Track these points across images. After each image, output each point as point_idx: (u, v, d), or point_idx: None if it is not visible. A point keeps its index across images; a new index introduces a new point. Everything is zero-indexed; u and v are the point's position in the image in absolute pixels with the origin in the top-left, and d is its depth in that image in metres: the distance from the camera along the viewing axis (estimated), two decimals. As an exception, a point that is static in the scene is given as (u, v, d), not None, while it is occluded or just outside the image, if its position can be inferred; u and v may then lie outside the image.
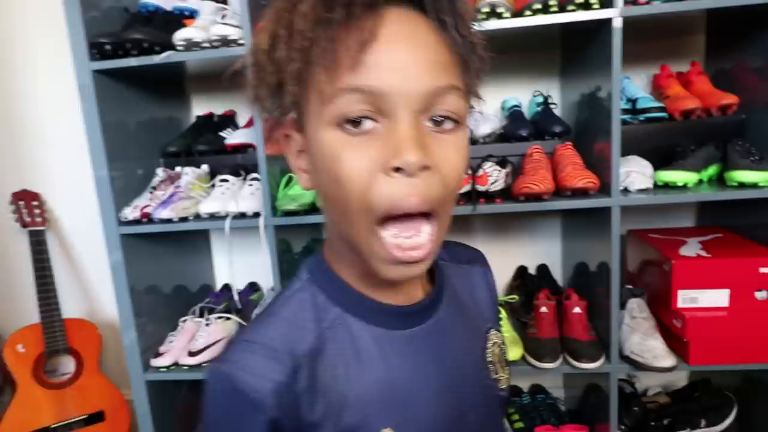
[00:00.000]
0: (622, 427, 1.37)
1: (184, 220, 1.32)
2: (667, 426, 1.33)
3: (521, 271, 1.65)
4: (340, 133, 0.42)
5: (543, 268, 1.64)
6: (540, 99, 1.46)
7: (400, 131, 0.41)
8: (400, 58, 0.41)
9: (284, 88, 0.43)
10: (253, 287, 1.76)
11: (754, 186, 1.15)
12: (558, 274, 1.65)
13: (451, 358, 0.52)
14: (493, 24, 1.14)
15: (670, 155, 1.29)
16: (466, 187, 1.22)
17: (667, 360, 1.17)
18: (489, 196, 1.22)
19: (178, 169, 1.46)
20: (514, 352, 1.26)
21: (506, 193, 1.24)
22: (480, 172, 1.21)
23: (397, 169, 0.41)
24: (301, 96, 0.44)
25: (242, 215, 1.30)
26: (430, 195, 0.42)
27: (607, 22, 1.12)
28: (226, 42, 1.21)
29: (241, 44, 1.21)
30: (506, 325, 1.34)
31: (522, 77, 1.58)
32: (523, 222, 1.66)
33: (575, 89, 1.41)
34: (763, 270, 1.18)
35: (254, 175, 1.35)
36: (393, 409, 0.48)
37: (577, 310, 1.31)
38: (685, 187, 1.20)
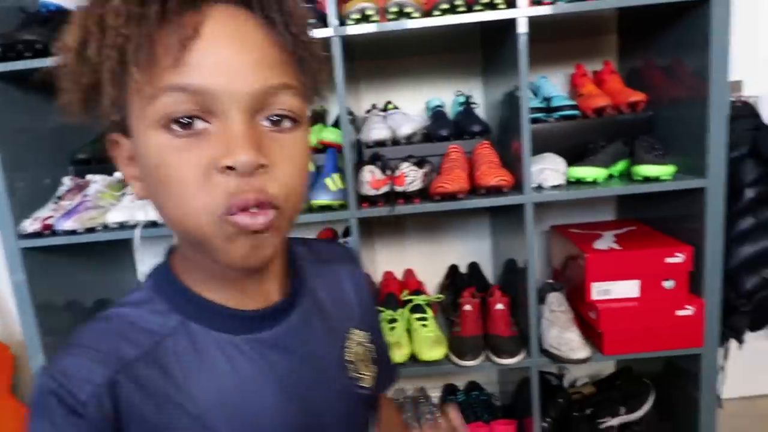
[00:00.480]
0: (548, 419, 1.40)
1: (91, 230, 1.25)
2: (589, 415, 1.37)
3: (453, 269, 1.66)
4: (168, 135, 0.40)
5: (474, 267, 1.66)
6: (462, 99, 1.47)
7: (232, 130, 0.41)
8: (226, 56, 0.40)
9: (101, 90, 0.40)
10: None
11: (656, 179, 1.20)
12: (489, 271, 1.67)
13: (305, 361, 0.51)
14: (401, 24, 1.14)
15: (584, 152, 1.32)
16: (385, 188, 1.21)
17: (582, 352, 1.20)
18: (407, 197, 1.22)
19: (88, 177, 1.38)
20: (437, 352, 1.25)
21: (425, 193, 1.24)
22: (397, 173, 1.21)
23: (230, 168, 0.40)
24: (121, 98, 0.41)
25: (154, 224, 1.24)
26: (268, 193, 0.42)
27: (513, 22, 1.13)
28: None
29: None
30: (431, 325, 1.33)
31: (447, 77, 1.59)
32: (453, 221, 1.67)
33: (496, 89, 1.43)
34: (668, 260, 1.23)
35: (167, 181, 1.29)
36: (236, 417, 0.47)
37: (499, 306, 1.32)
38: (595, 182, 1.23)
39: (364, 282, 0.63)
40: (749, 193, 1.44)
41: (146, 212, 1.21)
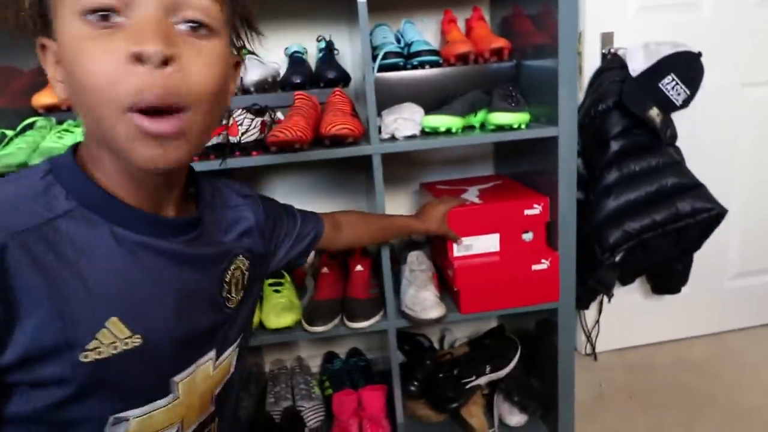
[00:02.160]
0: (415, 382, 1.35)
1: None
2: (456, 376, 1.33)
3: (327, 232, 1.56)
4: (85, 26, 0.43)
5: (349, 228, 1.56)
6: (323, 44, 1.35)
7: (141, 21, 0.44)
8: None
9: None
10: None
11: (510, 128, 1.14)
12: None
13: (193, 276, 0.56)
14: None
15: (444, 101, 1.24)
16: (217, 139, 1.07)
17: (435, 311, 1.14)
18: (244, 148, 1.09)
19: None
20: (286, 319, 1.15)
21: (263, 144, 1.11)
22: (230, 122, 1.07)
23: (138, 59, 0.43)
24: None
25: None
26: (176, 88, 0.45)
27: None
28: None
29: None
30: (286, 291, 1.23)
31: (311, 23, 1.44)
32: (329, 177, 1.56)
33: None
34: (528, 212, 1.18)
35: (-44, 132, 1.09)
36: (124, 302, 0.50)
37: (359, 268, 1.24)
38: (450, 132, 1.16)
39: (263, 215, 0.71)
40: (614, 146, 1.43)
41: None
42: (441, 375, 1.33)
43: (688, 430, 1.39)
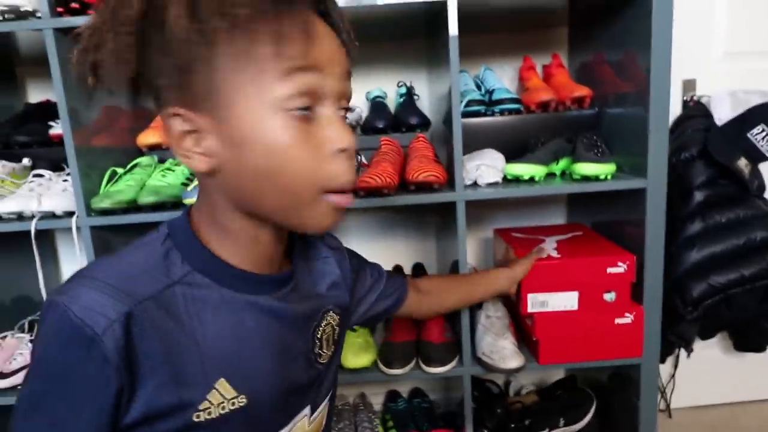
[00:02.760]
0: (485, 430, 1.33)
1: (-16, 221, 1.14)
2: (528, 426, 1.30)
3: (396, 270, 1.58)
4: (286, 119, 0.47)
5: (418, 267, 1.57)
6: (403, 90, 1.39)
7: (332, 116, 0.50)
8: (331, 48, 0.50)
9: (189, 68, 0.45)
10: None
11: (596, 179, 1.13)
12: (433, 273, 1.59)
13: (290, 330, 0.58)
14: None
15: (525, 148, 1.25)
16: (307, 182, 1.12)
17: (515, 361, 1.12)
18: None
19: (-12, 163, 1.27)
20: (364, 359, 1.17)
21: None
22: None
23: (342, 151, 0.49)
24: (213, 77, 0.46)
25: (53, 215, 1.13)
26: (355, 176, 0.53)
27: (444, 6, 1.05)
28: (18, 13, 1.04)
29: (39, 17, 1.04)
30: (362, 330, 1.25)
31: (391, 67, 1.50)
32: (401, 219, 1.59)
33: (440, 80, 1.35)
34: (611, 270, 1.15)
35: (71, 169, 1.19)
36: (234, 368, 0.52)
37: (434, 310, 1.24)
38: (532, 180, 1.16)
39: (348, 267, 0.72)
40: (698, 196, 1.38)
41: (40, 201, 1.10)
42: (513, 425, 1.30)
43: (779, 504, 1.29)
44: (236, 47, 0.45)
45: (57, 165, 1.27)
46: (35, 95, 1.51)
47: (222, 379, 0.51)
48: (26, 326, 1.36)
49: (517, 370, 1.13)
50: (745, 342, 1.57)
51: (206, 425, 0.50)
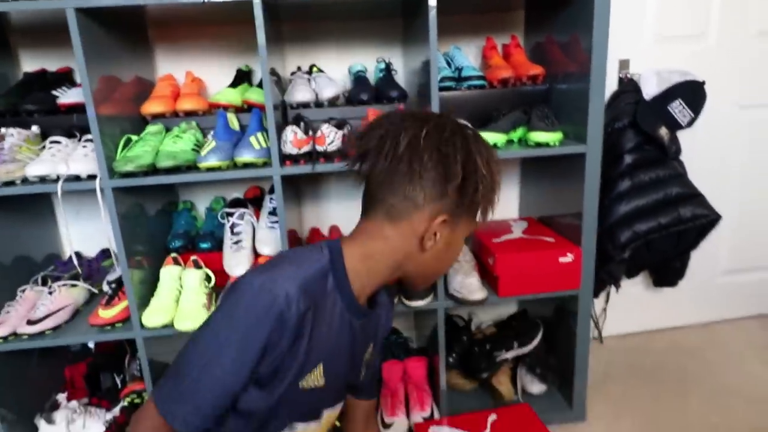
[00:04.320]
0: (453, 354, 1.60)
1: (9, 184, 1.25)
2: (488, 350, 1.57)
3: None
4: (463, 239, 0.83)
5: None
6: (382, 65, 1.56)
7: None
8: None
9: (479, 202, 0.77)
10: (105, 254, 1.71)
11: (547, 145, 1.37)
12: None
13: (357, 347, 0.84)
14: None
15: (489, 119, 1.47)
16: (307, 148, 1.29)
17: (480, 293, 1.38)
18: (328, 156, 1.31)
19: (2, 130, 1.36)
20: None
21: (344, 153, 1.33)
22: (318, 134, 1.30)
23: None
24: (474, 214, 0.79)
25: (76, 178, 1.26)
26: None
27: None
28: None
29: (60, -3, 1.14)
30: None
31: (370, 43, 1.67)
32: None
33: (414, 56, 1.53)
34: (562, 260, 1.43)
35: (89, 136, 1.30)
36: (328, 356, 0.77)
37: (412, 257, 1.47)
38: (496, 146, 1.39)
39: (392, 319, 0.98)
40: (627, 159, 1.66)
41: (68, 165, 1.23)
42: (476, 349, 1.57)
43: (679, 403, 1.64)
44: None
45: (68, 132, 1.38)
46: (28, 64, 1.58)
47: (321, 364, 0.77)
48: (39, 281, 1.48)
49: (482, 302, 1.38)
50: (662, 279, 1.90)
51: (299, 391, 0.75)
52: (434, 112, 0.80)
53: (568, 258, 1.42)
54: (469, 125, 0.79)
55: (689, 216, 1.62)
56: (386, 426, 1.48)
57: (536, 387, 1.62)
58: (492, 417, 1.43)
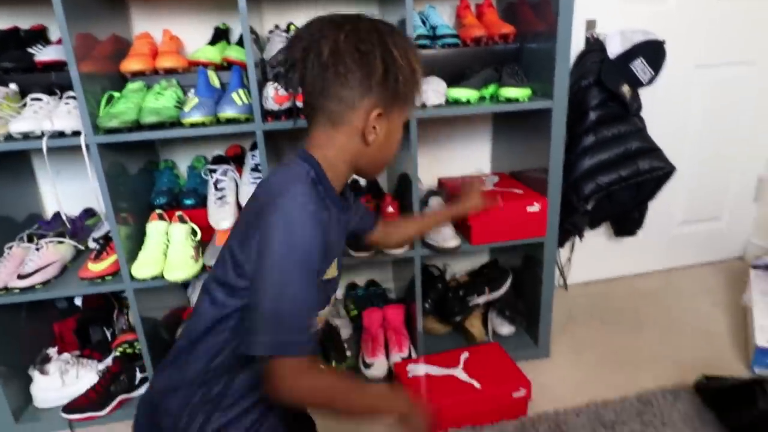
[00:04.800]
0: (429, 300, 1.71)
1: (-8, 141, 1.26)
2: (462, 295, 1.69)
3: (353, 182, 1.86)
4: (402, 127, 0.88)
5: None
6: (359, 23, 1.60)
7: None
8: None
9: (404, 90, 0.82)
10: (88, 213, 1.74)
11: (516, 101, 1.45)
12: (385, 184, 1.89)
13: (343, 231, 0.93)
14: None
15: (462, 76, 1.53)
16: (287, 104, 1.34)
17: (453, 241, 1.48)
18: (308, 112, 1.36)
19: (-20, 87, 1.36)
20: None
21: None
22: (300, 90, 1.34)
23: None
24: (403, 102, 0.84)
25: (60, 134, 1.28)
26: None
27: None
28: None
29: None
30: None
31: (347, 2, 1.69)
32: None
33: (391, 15, 1.57)
34: (530, 209, 1.53)
35: (70, 93, 1.32)
36: (335, 252, 0.87)
37: (390, 209, 1.55)
38: (468, 102, 1.46)
39: (353, 199, 1.03)
40: (592, 116, 1.76)
41: (52, 121, 1.25)
42: (450, 295, 1.69)
43: (634, 340, 1.80)
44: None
45: (49, 90, 1.39)
46: (-1, 21, 1.56)
47: (334, 261, 0.86)
48: (25, 238, 1.51)
49: (455, 249, 1.48)
50: (622, 229, 2.04)
51: (323, 283, 0.83)
52: (351, 15, 0.81)
53: (535, 207, 1.52)
54: (386, 21, 0.82)
55: (647, 168, 1.74)
56: (367, 366, 1.60)
57: (505, 328, 1.75)
58: (464, 355, 1.56)
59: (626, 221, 2.00)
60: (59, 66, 1.40)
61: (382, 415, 0.85)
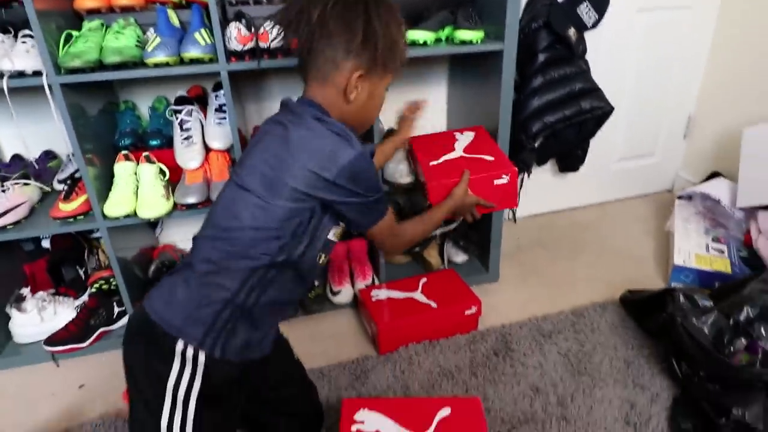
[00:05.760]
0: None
1: (-51, 81, 1.25)
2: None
3: (315, 123, 1.92)
4: (384, 89, 0.98)
5: (333, 120, 1.93)
6: (317, -39, 1.60)
7: None
8: None
9: (383, 57, 0.91)
10: (48, 155, 1.73)
11: (470, 43, 1.53)
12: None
13: None
14: None
15: (419, 18, 1.59)
16: (251, 44, 1.37)
17: (407, 178, 1.60)
18: (271, 53, 1.40)
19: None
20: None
21: (286, 50, 1.42)
22: (261, 30, 1.37)
23: None
24: (385, 65, 0.93)
25: (20, 74, 1.28)
26: None
27: None
28: None
29: None
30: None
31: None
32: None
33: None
34: (497, 182, 1.43)
35: (26, 31, 1.30)
36: None
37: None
38: (425, 44, 1.53)
39: None
40: (541, 57, 1.87)
41: (12, 61, 1.24)
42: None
43: (572, 264, 2.02)
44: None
45: (2, 28, 1.36)
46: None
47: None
48: (-12, 181, 1.51)
49: (410, 185, 1.60)
50: (566, 165, 2.22)
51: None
52: None
53: (504, 180, 1.43)
54: None
55: (588, 108, 1.88)
56: (335, 294, 1.74)
57: (460, 257, 1.92)
58: (423, 280, 1.72)
59: (570, 158, 2.17)
60: (7, 2, 1.37)
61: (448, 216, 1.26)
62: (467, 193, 1.33)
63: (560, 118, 1.89)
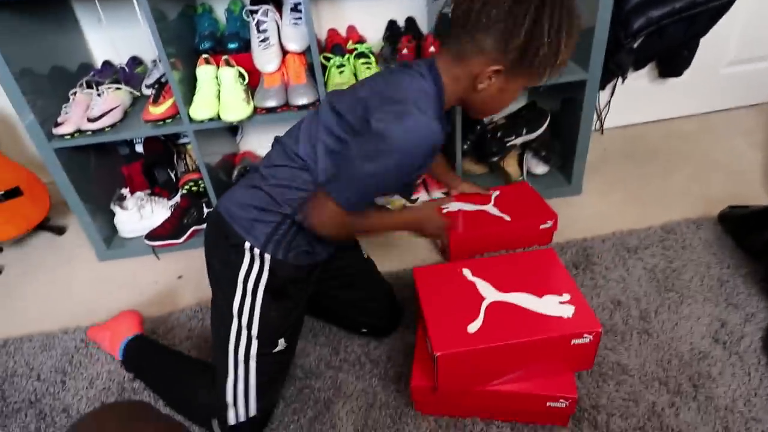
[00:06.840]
0: (468, 141, 1.78)
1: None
2: (499, 137, 1.75)
3: (391, 24, 1.82)
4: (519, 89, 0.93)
5: (410, 20, 1.81)
6: None
7: None
8: None
9: (539, 62, 0.83)
10: (135, 61, 1.79)
11: None
12: (424, 25, 1.84)
13: None
14: None
15: None
16: None
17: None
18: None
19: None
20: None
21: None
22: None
23: None
24: (528, 72, 0.86)
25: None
26: None
27: None
28: None
29: None
30: (375, 67, 1.56)
31: None
32: None
33: None
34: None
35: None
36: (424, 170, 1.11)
37: (432, 49, 1.55)
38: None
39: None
40: (651, -62, 1.61)
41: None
42: (489, 136, 1.75)
43: (665, 178, 1.87)
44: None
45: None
46: None
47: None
48: (84, 84, 1.59)
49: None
50: (668, 69, 1.98)
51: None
52: None
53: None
54: None
55: (704, -1, 1.63)
56: (412, 202, 1.73)
57: (540, 168, 1.83)
58: (495, 193, 1.66)
59: (674, 60, 1.93)
60: None
61: (407, 228, 1.12)
62: (437, 214, 1.22)
63: (668, 12, 1.66)
